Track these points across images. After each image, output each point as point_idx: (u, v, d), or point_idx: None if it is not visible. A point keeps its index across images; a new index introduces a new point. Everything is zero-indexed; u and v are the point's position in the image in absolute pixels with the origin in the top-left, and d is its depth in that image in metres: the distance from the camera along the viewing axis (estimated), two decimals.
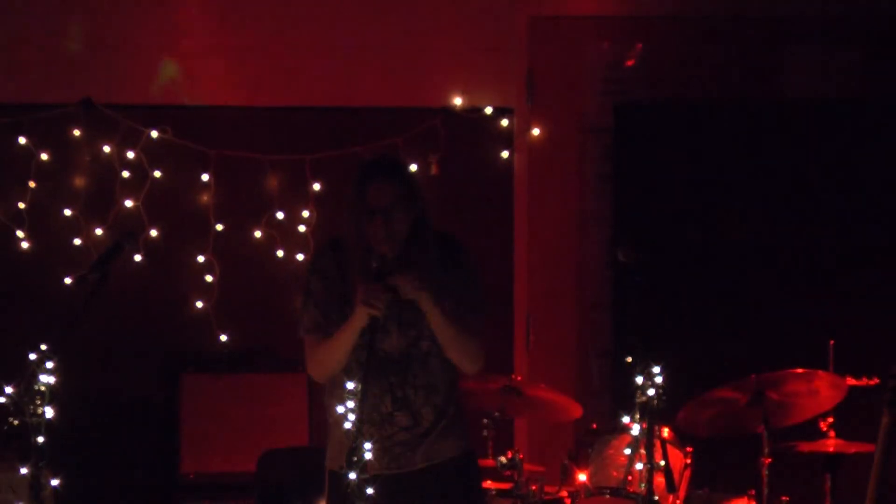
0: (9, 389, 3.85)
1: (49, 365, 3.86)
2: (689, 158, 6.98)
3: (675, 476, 5.08)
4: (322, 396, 4.44)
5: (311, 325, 4.28)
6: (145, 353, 6.83)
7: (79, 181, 6.81)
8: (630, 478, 5.23)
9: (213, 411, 6.68)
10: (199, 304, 6.83)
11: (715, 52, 7.07)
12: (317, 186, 6.84)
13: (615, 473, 5.41)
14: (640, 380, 4.24)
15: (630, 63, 7.12)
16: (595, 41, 7.09)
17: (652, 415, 4.25)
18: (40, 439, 3.87)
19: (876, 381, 5.46)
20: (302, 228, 6.88)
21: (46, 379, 3.86)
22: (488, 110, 6.96)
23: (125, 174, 6.82)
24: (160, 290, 6.85)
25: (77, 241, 6.77)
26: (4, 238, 6.76)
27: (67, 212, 6.78)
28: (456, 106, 6.93)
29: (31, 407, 3.87)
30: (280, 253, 6.86)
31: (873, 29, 7.12)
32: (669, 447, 5.14)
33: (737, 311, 6.88)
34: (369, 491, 3.85)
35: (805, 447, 5.77)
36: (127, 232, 4.37)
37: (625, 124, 7.03)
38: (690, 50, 7.08)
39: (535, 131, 7.00)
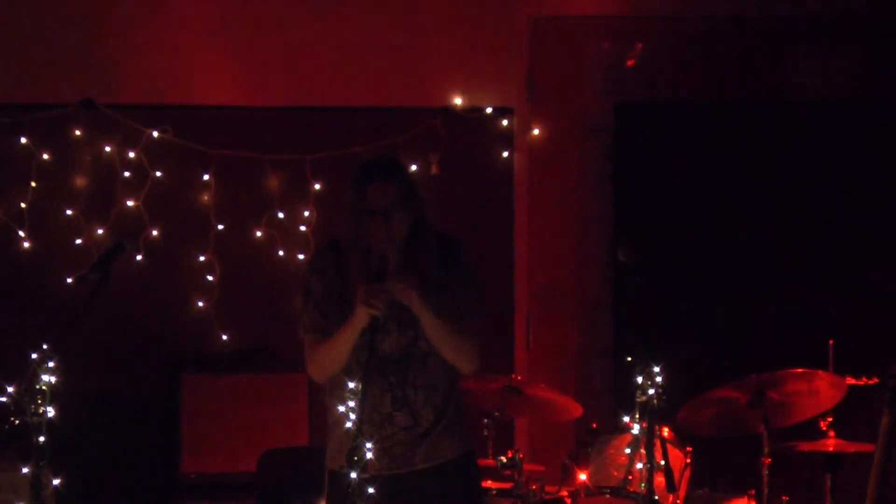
0: (10, 389, 3.85)
1: (50, 364, 3.87)
2: (689, 158, 6.98)
3: (676, 476, 5.08)
4: (322, 396, 4.45)
5: (310, 326, 4.28)
6: (146, 353, 6.83)
7: (80, 181, 6.82)
8: (630, 477, 5.23)
9: (214, 411, 6.68)
10: (200, 304, 6.83)
11: (715, 52, 7.07)
12: (317, 186, 6.85)
13: (615, 473, 5.41)
14: (640, 379, 4.25)
15: (630, 63, 7.12)
16: (595, 41, 7.09)
17: (652, 414, 4.25)
18: (41, 439, 3.87)
19: (876, 380, 5.46)
20: (302, 228, 6.88)
21: (47, 378, 3.86)
22: (488, 110, 6.96)
23: (126, 174, 6.82)
24: (161, 290, 6.85)
25: (78, 241, 6.77)
26: (5, 238, 6.76)
27: (68, 212, 6.79)
28: (456, 106, 6.94)
29: (33, 406, 3.87)
30: (281, 253, 6.86)
31: (873, 29, 7.12)
32: (669, 447, 5.14)
33: (737, 311, 6.88)
34: (370, 491, 3.86)
35: (805, 447, 5.77)
36: (128, 232, 4.37)
37: (625, 124, 7.03)
38: (690, 50, 7.08)
39: (536, 131, 7.01)
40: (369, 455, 3.94)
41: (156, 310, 6.86)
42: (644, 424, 4.30)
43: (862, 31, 7.11)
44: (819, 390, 5.54)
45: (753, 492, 5.54)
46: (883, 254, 6.92)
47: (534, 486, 5.50)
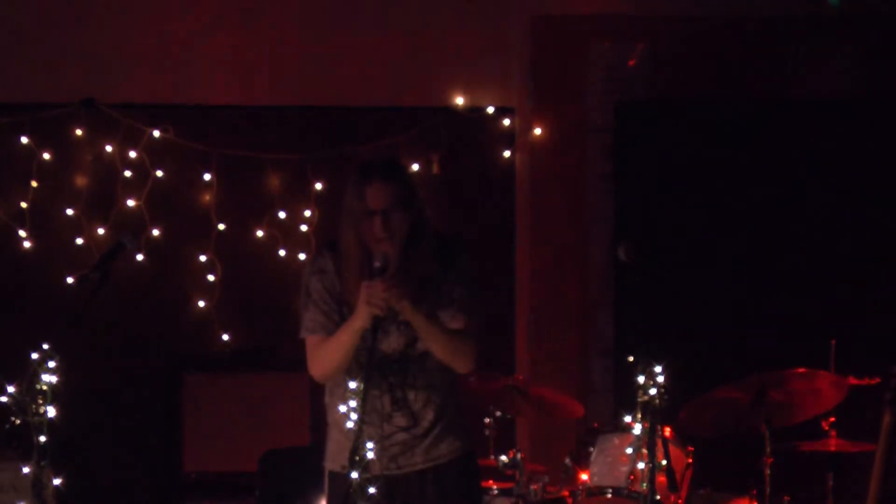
0: (11, 389, 3.85)
1: (51, 364, 3.86)
2: (689, 158, 6.98)
3: (677, 475, 5.07)
4: (323, 396, 4.44)
5: (311, 326, 4.27)
6: (147, 353, 6.83)
7: (80, 180, 6.82)
8: (632, 477, 5.23)
9: (215, 411, 6.68)
10: (201, 304, 6.84)
11: (715, 52, 7.07)
12: (318, 186, 6.85)
13: (617, 473, 5.41)
14: (641, 379, 4.24)
15: (631, 63, 7.12)
16: (596, 41, 7.09)
17: (654, 414, 4.24)
18: (42, 439, 3.87)
19: (877, 380, 5.45)
20: (304, 228, 6.88)
21: (48, 378, 3.85)
22: (490, 110, 6.96)
23: (127, 174, 6.82)
24: (162, 290, 6.85)
25: (79, 241, 6.78)
26: (6, 237, 6.77)
27: (69, 211, 6.79)
28: (457, 105, 6.94)
29: (34, 406, 3.87)
30: (282, 252, 6.86)
31: (873, 29, 7.12)
32: (671, 446, 5.12)
33: (738, 311, 6.88)
34: (371, 490, 3.85)
35: (807, 447, 5.77)
36: (129, 231, 4.36)
37: (626, 124, 7.03)
38: (691, 50, 7.07)
39: (537, 131, 7.01)
40: (370, 455, 3.94)
41: (157, 309, 6.86)
42: (646, 424, 4.29)
43: (862, 30, 7.11)
44: (821, 390, 5.53)
45: (755, 491, 5.53)
46: (884, 253, 6.92)
47: (535, 486, 5.49)
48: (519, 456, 5.51)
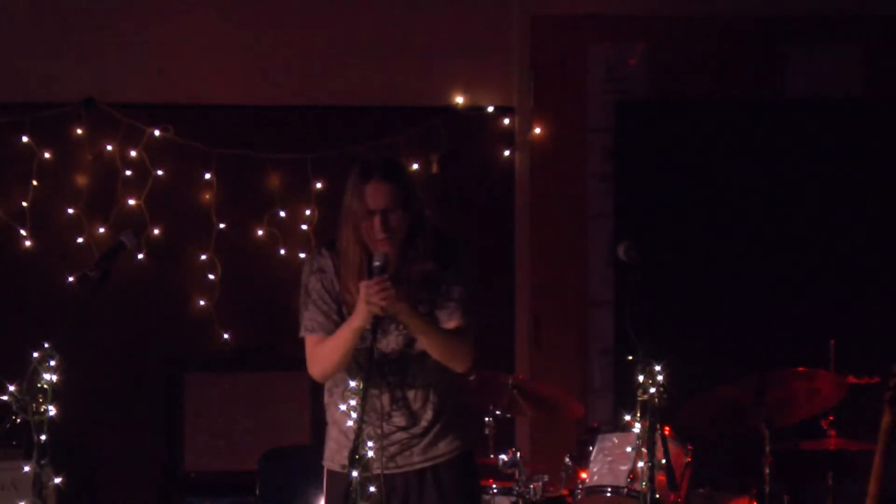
0: (11, 388, 3.85)
1: (51, 363, 3.87)
2: (689, 158, 6.98)
3: (677, 474, 5.07)
4: (323, 396, 4.45)
5: (310, 325, 4.28)
6: (147, 352, 6.83)
7: (81, 180, 6.82)
8: (631, 476, 5.23)
9: (216, 410, 6.69)
10: (202, 303, 6.84)
11: (715, 52, 7.08)
12: (318, 185, 6.85)
13: (616, 472, 5.41)
14: (641, 378, 4.24)
15: (631, 63, 7.12)
16: (597, 41, 7.10)
17: (653, 413, 4.25)
18: (43, 437, 3.87)
19: (877, 379, 5.46)
20: (304, 227, 6.89)
21: (49, 377, 3.86)
22: (489, 109, 6.97)
23: (127, 173, 6.83)
24: (162, 289, 6.86)
25: (79, 240, 6.78)
26: (7, 236, 6.77)
27: (70, 210, 6.80)
28: (457, 105, 6.95)
29: (34, 405, 3.87)
30: (282, 252, 6.87)
31: (873, 29, 7.12)
32: (671, 445, 5.13)
33: (738, 310, 6.88)
34: (371, 490, 3.86)
35: (806, 446, 5.78)
36: (129, 230, 4.36)
37: (626, 124, 7.03)
38: (691, 50, 7.08)
39: (537, 130, 7.01)
40: (370, 454, 3.95)
41: (157, 309, 6.87)
42: (645, 423, 4.29)
43: (861, 30, 7.11)
44: (820, 389, 5.54)
45: (755, 491, 5.54)
46: (884, 253, 6.92)
47: (535, 485, 5.50)
48: (519, 455, 5.51)
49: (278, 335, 6.58)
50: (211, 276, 6.85)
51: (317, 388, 4.49)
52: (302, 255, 6.78)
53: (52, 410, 3.87)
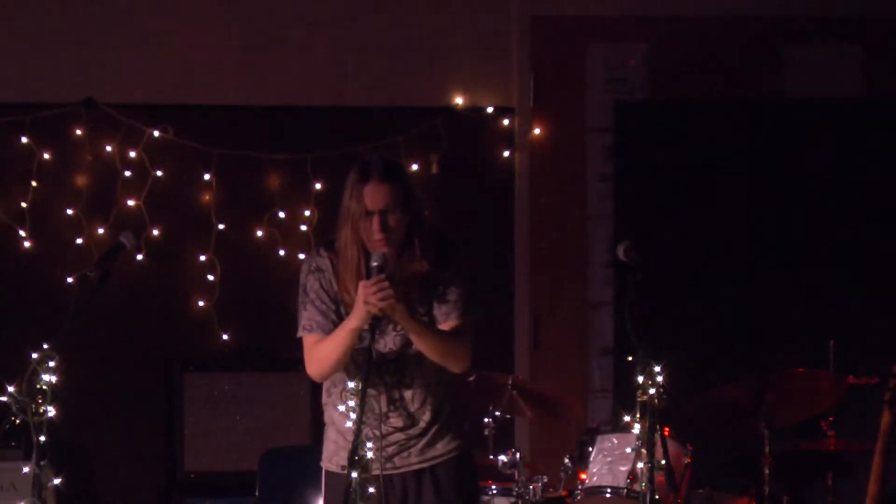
0: (11, 388, 3.85)
1: (51, 364, 3.87)
2: (689, 158, 6.98)
3: (676, 475, 5.08)
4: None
5: (308, 325, 4.28)
6: (147, 352, 6.83)
7: (80, 180, 6.82)
8: (631, 477, 5.23)
9: (215, 410, 6.69)
10: (201, 304, 6.84)
11: (715, 52, 7.08)
12: (318, 186, 6.85)
13: (616, 473, 5.41)
14: (641, 379, 4.25)
15: (631, 62, 7.13)
16: (596, 41, 7.10)
17: (653, 414, 4.25)
18: (42, 438, 3.87)
19: (876, 380, 5.46)
20: (303, 228, 6.89)
21: (48, 378, 3.86)
22: (489, 110, 6.97)
23: (127, 173, 6.83)
24: (162, 290, 6.86)
25: (79, 240, 6.78)
26: (6, 237, 6.77)
27: (69, 211, 6.80)
28: (457, 105, 6.95)
29: (33, 406, 3.87)
30: (282, 252, 6.87)
31: (874, 29, 7.12)
32: (670, 446, 5.13)
33: (738, 311, 6.87)
34: (370, 490, 3.86)
35: (806, 446, 5.77)
36: (129, 231, 4.36)
37: (626, 124, 7.03)
38: (691, 50, 7.08)
39: (536, 131, 7.01)
40: (369, 455, 3.95)
41: (157, 309, 6.87)
42: (645, 424, 4.30)
43: (861, 30, 7.12)
44: (820, 390, 5.54)
45: (754, 491, 5.54)
46: (883, 253, 6.91)
47: (534, 486, 5.50)
48: (518, 455, 5.51)
49: (278, 336, 6.57)
50: (210, 277, 6.85)
51: (316, 389, 4.50)
52: (301, 256, 6.78)
53: (52, 411, 3.87)
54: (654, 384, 4.23)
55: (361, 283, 4.08)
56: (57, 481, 3.93)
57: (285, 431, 6.63)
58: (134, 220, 6.76)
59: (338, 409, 4.27)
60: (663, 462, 4.32)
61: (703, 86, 7.09)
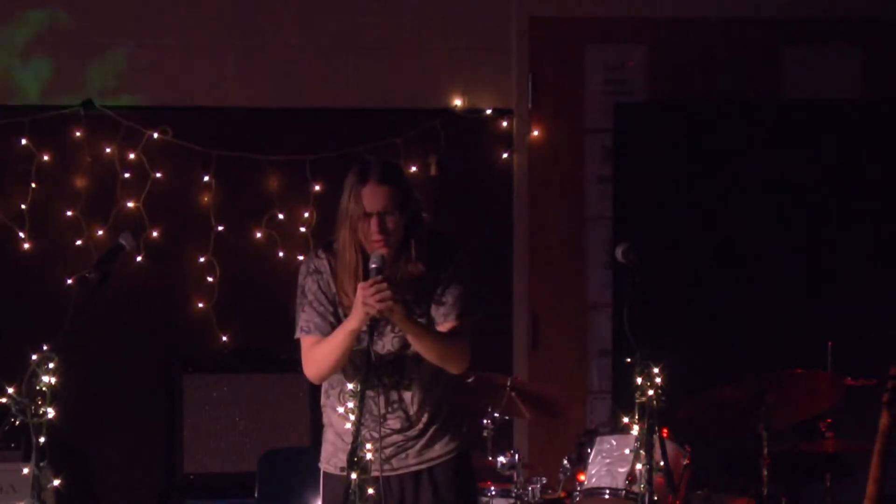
0: (10, 389, 3.85)
1: (51, 365, 3.87)
2: (689, 158, 6.98)
3: (675, 476, 5.08)
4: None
5: (306, 327, 4.28)
6: (146, 354, 6.84)
7: (80, 182, 6.83)
8: (630, 478, 5.24)
9: (214, 411, 6.69)
10: (200, 305, 6.84)
11: (715, 53, 7.08)
12: (317, 187, 6.86)
13: (615, 474, 5.42)
14: (639, 380, 4.25)
15: (630, 64, 7.13)
16: (595, 42, 7.10)
17: (651, 415, 4.25)
18: (42, 439, 3.88)
19: (874, 381, 5.46)
20: (302, 229, 6.89)
21: (48, 379, 3.86)
22: (488, 111, 6.97)
23: (126, 175, 6.83)
24: (161, 291, 6.86)
25: (78, 242, 6.78)
26: (6, 238, 6.77)
27: (69, 213, 6.80)
28: (456, 107, 6.95)
29: (33, 407, 3.88)
30: (281, 254, 6.87)
31: (873, 29, 7.13)
32: (669, 447, 5.14)
33: (736, 312, 6.88)
34: (370, 491, 3.86)
35: (804, 447, 5.78)
36: (128, 232, 4.37)
37: (625, 125, 7.03)
38: (691, 50, 7.09)
39: (535, 132, 7.02)
40: (368, 456, 3.95)
41: (156, 310, 6.87)
42: (643, 425, 4.30)
43: (861, 31, 7.12)
44: (818, 391, 5.54)
45: (753, 492, 5.54)
46: (883, 254, 6.92)
47: (533, 487, 5.51)
48: (517, 457, 5.52)
49: (277, 337, 6.56)
50: (210, 278, 6.86)
51: (315, 390, 4.50)
52: (300, 257, 6.79)
53: (51, 412, 3.88)
54: (653, 385, 4.24)
55: (360, 285, 4.09)
56: (56, 482, 3.94)
57: (284, 433, 6.63)
58: (133, 221, 6.76)
59: (336, 411, 4.28)
60: (662, 463, 4.33)
61: (703, 87, 7.09)
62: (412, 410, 4.26)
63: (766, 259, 6.93)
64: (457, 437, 4.36)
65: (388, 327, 4.22)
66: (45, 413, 3.86)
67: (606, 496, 5.37)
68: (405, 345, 4.23)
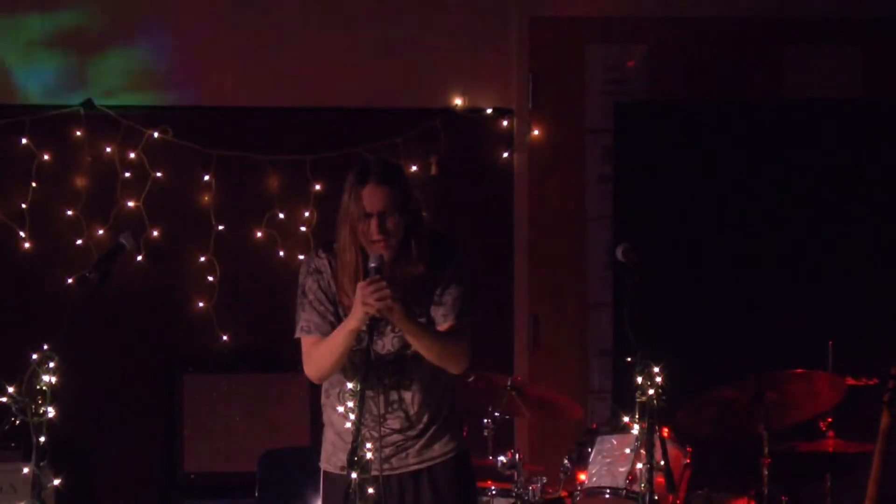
0: (10, 389, 3.85)
1: (51, 365, 3.87)
2: (689, 158, 6.98)
3: (675, 476, 5.09)
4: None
5: (307, 326, 4.29)
6: (146, 353, 6.84)
7: (80, 181, 6.83)
8: (630, 478, 5.24)
9: (215, 411, 6.69)
10: (200, 305, 6.84)
11: (715, 53, 7.09)
12: (318, 187, 6.86)
13: (615, 473, 5.42)
14: (640, 380, 4.25)
15: (631, 63, 7.13)
16: (596, 42, 7.10)
17: (652, 414, 4.25)
18: (42, 439, 3.88)
19: (875, 381, 5.47)
20: (303, 229, 6.89)
21: (48, 378, 3.86)
22: (488, 111, 6.97)
23: (126, 174, 6.83)
24: (161, 291, 6.86)
25: (78, 242, 6.78)
26: (6, 238, 6.77)
27: (69, 212, 6.80)
28: (456, 106, 6.95)
29: (33, 407, 3.87)
30: (281, 253, 6.87)
31: (873, 29, 7.13)
32: (669, 447, 5.15)
33: (737, 311, 6.88)
34: (370, 491, 3.87)
35: (805, 447, 5.78)
36: (128, 232, 4.37)
37: (625, 124, 7.03)
38: (690, 50, 7.09)
39: (536, 132, 7.02)
40: (368, 455, 3.95)
41: (156, 310, 6.87)
42: (644, 425, 4.30)
43: (861, 30, 7.12)
44: (819, 391, 5.54)
45: (753, 492, 5.54)
46: (883, 254, 6.92)
47: (533, 487, 5.51)
48: (517, 456, 5.52)
49: (277, 337, 6.55)
50: (210, 278, 6.86)
51: (316, 390, 4.50)
52: (301, 257, 6.79)
53: (52, 412, 3.88)
54: (653, 385, 4.24)
55: (359, 284, 4.09)
56: (57, 482, 3.93)
57: (285, 432, 6.63)
58: (133, 221, 6.77)
59: (336, 410, 4.28)
60: (662, 463, 4.33)
61: (703, 87, 7.10)
62: (412, 411, 4.27)
63: (767, 259, 6.93)
64: (457, 436, 4.36)
65: (388, 327, 4.22)
66: (45, 413, 3.86)
67: (607, 496, 5.37)
68: (405, 345, 4.23)
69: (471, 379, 5.68)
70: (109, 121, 6.81)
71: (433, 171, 6.90)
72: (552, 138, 7.06)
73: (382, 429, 4.22)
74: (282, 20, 6.95)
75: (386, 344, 4.24)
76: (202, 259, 6.85)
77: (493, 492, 5.54)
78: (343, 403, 4.22)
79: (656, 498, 4.36)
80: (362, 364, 4.14)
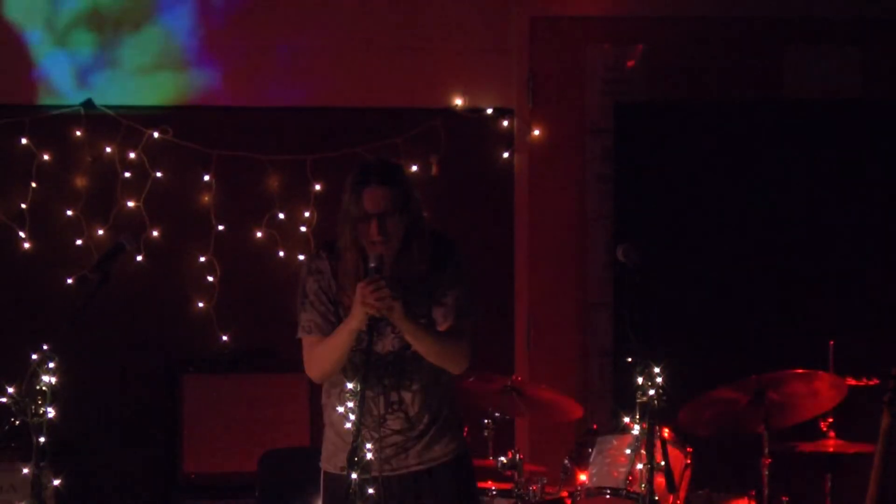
0: (10, 389, 3.85)
1: (51, 365, 3.87)
2: (689, 158, 6.99)
3: (676, 476, 5.08)
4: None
5: (308, 327, 4.29)
6: (146, 354, 6.83)
7: (80, 181, 6.82)
8: (631, 478, 5.24)
9: (215, 411, 6.69)
10: (200, 305, 6.84)
11: (715, 52, 7.08)
12: (318, 187, 6.85)
13: (615, 474, 5.42)
14: (640, 380, 4.25)
15: (630, 64, 7.13)
16: (596, 42, 7.10)
17: (652, 415, 4.26)
18: (42, 439, 3.88)
19: (876, 381, 5.47)
20: (303, 229, 6.89)
21: (48, 379, 3.86)
22: (489, 111, 6.97)
23: (126, 175, 6.83)
24: (161, 291, 6.86)
25: (78, 242, 6.78)
26: (6, 238, 6.77)
27: (69, 212, 6.79)
28: (456, 106, 6.95)
29: (33, 407, 3.88)
30: (281, 253, 6.87)
31: (873, 29, 7.13)
32: (670, 447, 5.15)
33: (737, 312, 6.88)
34: (370, 491, 3.87)
35: (805, 447, 5.78)
36: (128, 232, 4.37)
37: (625, 125, 7.03)
38: (691, 50, 7.08)
39: (536, 132, 7.02)
40: (370, 455, 3.95)
41: (156, 310, 6.87)
42: (644, 425, 4.30)
43: (861, 30, 7.12)
44: (819, 391, 5.54)
45: (754, 492, 5.54)
46: (883, 254, 6.92)
47: (534, 487, 5.50)
48: (518, 457, 5.51)
49: (277, 337, 6.58)
50: (210, 278, 6.85)
51: (316, 390, 4.50)
52: (301, 257, 6.79)
53: (51, 412, 3.88)
54: (654, 385, 4.24)
55: (359, 284, 4.09)
56: (57, 482, 3.94)
57: (285, 432, 6.63)
58: (134, 221, 6.76)
59: (337, 411, 4.28)
60: (663, 463, 4.33)
61: (703, 87, 7.09)
62: (413, 412, 4.26)
63: (767, 259, 6.93)
64: (456, 438, 4.36)
65: (389, 327, 4.22)
66: (45, 413, 3.86)
67: (607, 496, 5.37)
68: (405, 345, 4.23)
69: (471, 379, 5.68)
70: (109, 121, 6.81)
71: (433, 171, 6.89)
72: (552, 138, 7.05)
73: (383, 429, 4.22)
74: (281, 20, 6.95)
75: (386, 344, 4.24)
76: (202, 259, 6.85)
77: (494, 492, 5.54)
78: (343, 403, 4.22)
79: (656, 498, 4.36)
80: (362, 364, 4.14)
